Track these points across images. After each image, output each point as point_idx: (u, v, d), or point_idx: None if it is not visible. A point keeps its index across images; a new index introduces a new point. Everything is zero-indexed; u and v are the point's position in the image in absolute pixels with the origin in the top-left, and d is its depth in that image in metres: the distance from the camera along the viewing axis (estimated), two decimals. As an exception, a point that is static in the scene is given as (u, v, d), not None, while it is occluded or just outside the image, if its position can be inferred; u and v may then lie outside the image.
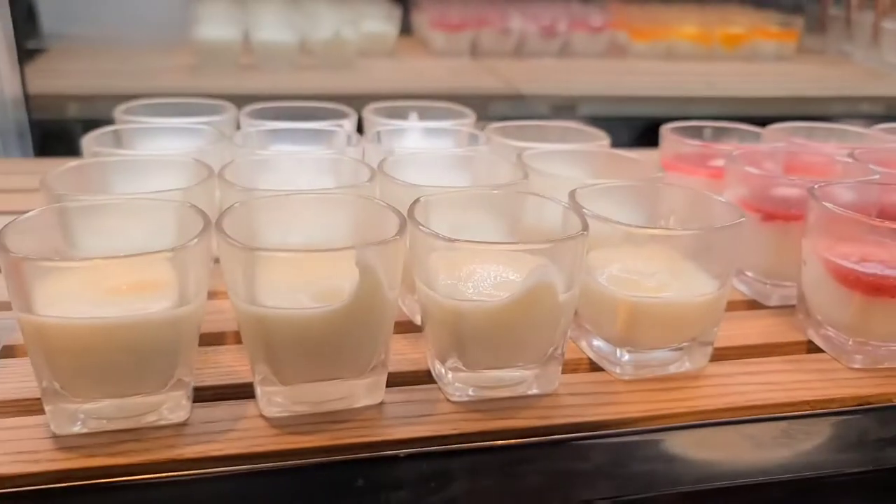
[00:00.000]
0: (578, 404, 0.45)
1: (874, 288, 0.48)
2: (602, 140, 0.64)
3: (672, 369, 0.48)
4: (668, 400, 0.46)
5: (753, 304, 0.58)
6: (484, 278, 0.44)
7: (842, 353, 0.50)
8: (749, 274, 0.59)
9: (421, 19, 1.53)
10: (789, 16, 1.60)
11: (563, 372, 0.48)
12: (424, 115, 0.73)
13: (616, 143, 0.71)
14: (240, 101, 1.19)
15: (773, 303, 0.58)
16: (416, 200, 0.46)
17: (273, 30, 1.31)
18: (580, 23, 1.49)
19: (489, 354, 0.44)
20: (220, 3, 1.41)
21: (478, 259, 0.45)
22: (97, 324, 0.38)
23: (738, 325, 0.55)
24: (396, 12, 1.43)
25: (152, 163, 0.53)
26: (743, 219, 0.47)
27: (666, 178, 0.55)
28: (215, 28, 1.29)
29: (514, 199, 0.50)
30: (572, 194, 0.48)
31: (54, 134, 1.09)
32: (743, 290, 0.60)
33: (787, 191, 0.55)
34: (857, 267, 0.48)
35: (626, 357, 0.47)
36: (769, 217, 0.56)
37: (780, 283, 0.57)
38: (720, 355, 0.51)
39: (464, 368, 0.44)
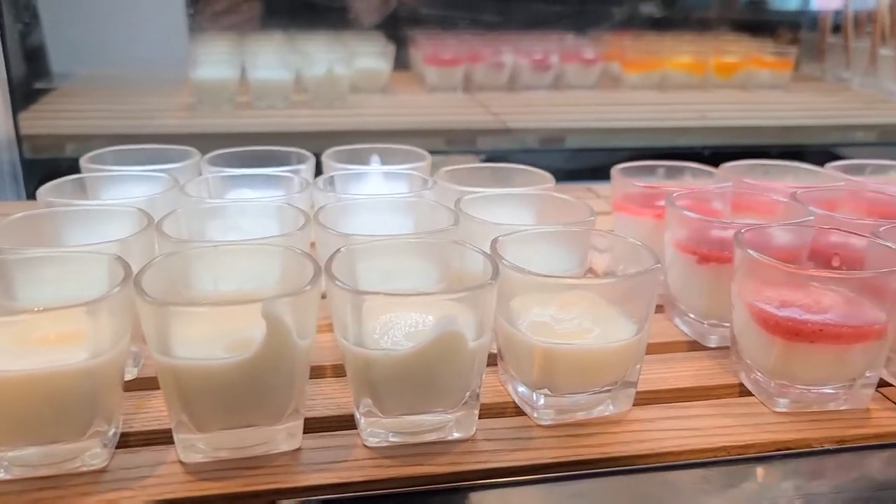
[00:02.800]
0: (493, 450, 0.46)
1: (793, 332, 0.48)
2: (548, 182, 0.65)
3: (594, 413, 0.49)
4: (583, 445, 0.46)
5: (693, 346, 0.59)
6: (398, 327, 0.45)
7: (768, 397, 0.51)
8: (691, 315, 0.60)
9: (416, 55, 1.55)
10: (785, 44, 1.59)
11: (490, 416, 0.49)
12: (386, 157, 0.75)
13: (604, 176, 0.72)
14: (235, 139, 1.23)
15: (712, 344, 0.58)
16: (338, 250, 0.47)
17: (268, 68, 1.35)
18: (572, 55, 1.50)
19: (402, 401, 0.45)
20: (218, 42, 1.45)
21: (393, 308, 0.46)
22: (13, 376, 0.39)
23: (675, 366, 0.56)
24: (390, 48, 1.45)
25: (99, 213, 0.55)
26: (657, 265, 0.48)
27: (593, 223, 0.56)
28: (213, 67, 1.33)
29: (440, 246, 0.51)
30: (494, 242, 0.50)
31: (51, 175, 1.12)
32: (685, 330, 0.60)
33: (721, 233, 0.56)
34: (776, 311, 0.49)
35: (543, 402, 0.48)
36: (704, 259, 0.57)
37: (719, 324, 0.58)
38: (650, 398, 0.52)
39: (379, 414, 0.45)
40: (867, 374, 0.50)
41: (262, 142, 1.23)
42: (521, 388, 0.49)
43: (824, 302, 0.49)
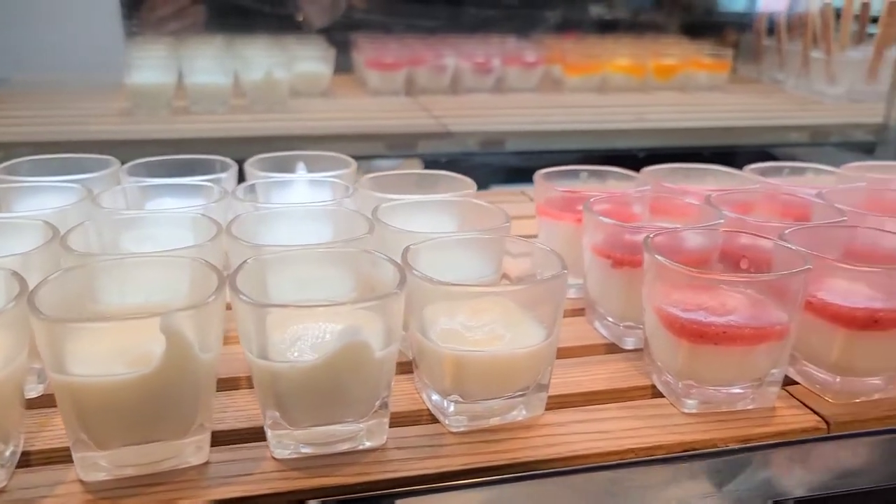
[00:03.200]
0: (403, 458, 0.46)
1: (698, 335, 0.49)
2: (469, 189, 0.65)
3: (508, 418, 0.50)
4: (493, 451, 0.47)
5: (611, 348, 0.60)
6: (305, 338, 0.45)
7: (677, 399, 0.52)
8: (609, 319, 0.60)
9: (358, 58, 1.55)
10: (723, 46, 1.63)
11: (405, 424, 0.50)
12: (312, 164, 0.75)
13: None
14: (172, 144, 1.22)
15: (628, 346, 0.59)
16: (244, 262, 0.47)
17: (206, 72, 1.33)
18: (514, 58, 1.51)
19: (310, 412, 0.45)
20: (155, 46, 1.43)
21: (298, 319, 0.46)
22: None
23: (591, 370, 0.56)
24: (331, 52, 1.45)
25: (4, 226, 0.54)
26: (564, 272, 0.48)
27: (508, 229, 0.56)
28: (149, 72, 1.31)
29: (352, 256, 0.51)
30: (405, 251, 0.50)
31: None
32: (604, 333, 0.61)
33: (634, 238, 0.57)
34: (681, 314, 0.50)
35: (453, 409, 0.48)
36: (619, 263, 0.58)
37: (635, 326, 0.59)
38: (564, 402, 0.52)
39: (287, 426, 0.45)
40: (772, 374, 0.51)
41: (200, 147, 1.21)
42: (435, 396, 0.50)
43: (729, 304, 0.50)
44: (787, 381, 0.55)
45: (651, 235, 0.53)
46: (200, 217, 0.56)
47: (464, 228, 0.60)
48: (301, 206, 0.61)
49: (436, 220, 0.60)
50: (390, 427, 0.49)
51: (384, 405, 0.46)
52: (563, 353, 0.59)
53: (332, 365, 0.43)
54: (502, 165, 1.38)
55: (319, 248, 0.51)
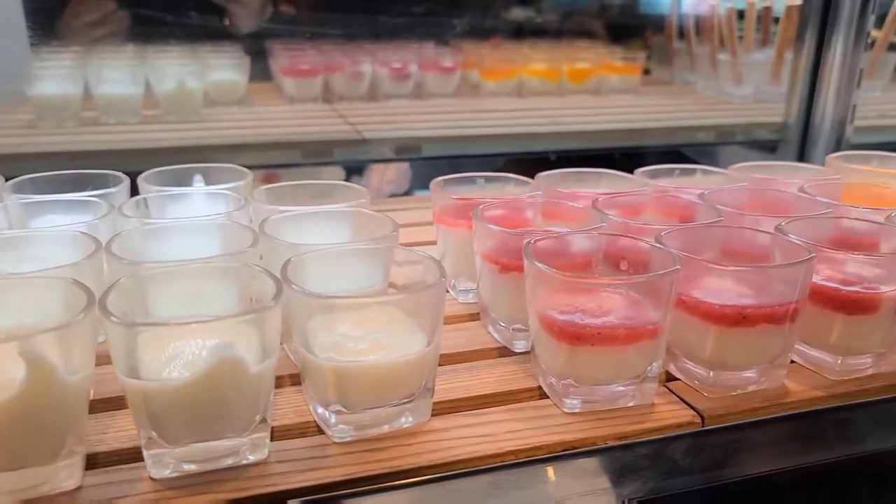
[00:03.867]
0: (284, 472, 0.46)
1: (575, 337, 0.50)
2: (362, 198, 0.65)
3: (394, 426, 0.50)
4: (375, 461, 0.47)
5: (503, 352, 0.61)
6: (181, 355, 0.45)
7: (559, 399, 0.53)
8: (501, 323, 0.62)
9: (275, 66, 1.54)
10: (637, 50, 1.67)
11: (291, 437, 0.50)
12: (210, 176, 0.74)
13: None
14: (78, 156, 1.18)
15: (519, 349, 0.60)
16: (117, 281, 0.46)
17: (115, 82, 1.30)
18: (431, 64, 1.52)
19: (186, 430, 0.44)
20: (61, 56, 1.39)
21: (174, 336, 0.45)
22: None
23: (481, 374, 0.57)
24: (246, 60, 1.43)
25: None
26: (442, 279, 0.49)
27: (395, 238, 0.57)
28: (54, 82, 1.27)
29: (234, 270, 0.51)
30: (285, 263, 0.50)
31: None
32: (497, 337, 0.62)
33: (519, 244, 0.58)
34: (559, 317, 0.51)
35: (335, 419, 0.48)
36: (506, 268, 0.59)
37: (523, 329, 0.60)
38: (451, 407, 0.53)
39: (164, 444, 0.44)
40: (649, 371, 0.53)
41: (108, 160, 1.19)
42: (319, 408, 0.50)
43: (606, 306, 0.52)
44: (670, 378, 0.57)
45: (532, 241, 0.54)
46: (81, 235, 0.55)
47: (355, 238, 0.60)
48: (188, 220, 0.60)
49: (327, 231, 0.61)
50: (278, 440, 0.49)
51: (265, 419, 0.46)
52: (455, 358, 0.60)
53: (205, 381, 0.43)
54: (417, 172, 1.39)
55: (196, 263, 0.51)
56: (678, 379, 0.57)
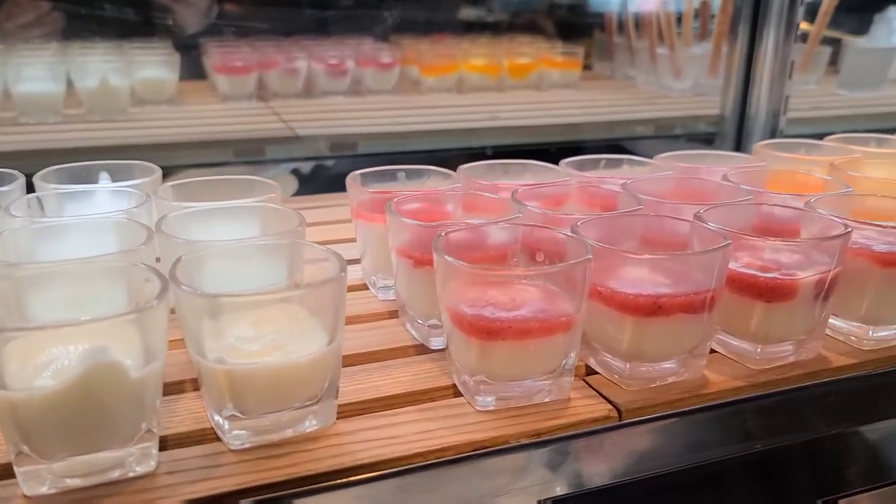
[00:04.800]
0: (172, 483, 0.43)
1: (485, 331, 0.48)
2: (272, 193, 0.63)
3: (298, 431, 0.47)
4: (271, 468, 0.44)
5: (420, 349, 0.59)
6: (55, 362, 0.41)
7: (472, 397, 0.51)
8: (419, 320, 0.59)
9: (208, 63, 1.49)
10: (579, 45, 1.66)
11: (188, 445, 0.47)
12: (120, 175, 0.70)
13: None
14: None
15: (435, 346, 0.58)
16: (-14, 283, 0.43)
17: (35, 80, 1.25)
18: (369, 60, 1.49)
19: (61, 442, 0.41)
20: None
21: (53, 342, 0.42)
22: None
23: (395, 372, 0.55)
24: (175, 57, 1.39)
25: None
26: (342, 274, 0.46)
27: (301, 234, 0.54)
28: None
29: (124, 269, 0.48)
30: (175, 262, 0.47)
31: None
32: (414, 335, 0.60)
33: (433, 237, 0.56)
34: (468, 311, 0.49)
35: (229, 425, 0.45)
36: (419, 263, 0.56)
37: (439, 325, 0.57)
38: (360, 409, 0.51)
39: (38, 458, 0.41)
40: (564, 365, 0.51)
41: (26, 159, 1.13)
42: (215, 414, 0.47)
43: (519, 298, 0.50)
44: (590, 372, 0.56)
45: (443, 234, 0.52)
46: (-41, 236, 0.52)
47: (263, 234, 0.57)
48: (80, 218, 0.57)
49: (232, 228, 0.58)
50: (173, 448, 0.46)
51: (152, 427, 0.43)
52: (370, 357, 0.57)
53: (77, 389, 0.39)
54: (353, 169, 1.35)
55: (78, 263, 0.47)
56: (598, 373, 0.55)
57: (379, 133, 1.32)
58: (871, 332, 0.59)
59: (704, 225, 0.56)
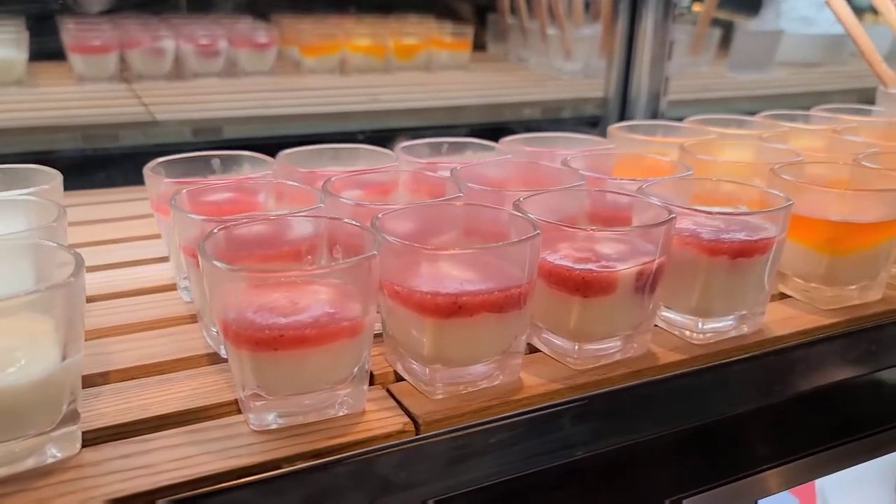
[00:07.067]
0: None
1: (253, 342, 0.42)
2: (48, 184, 0.55)
3: (26, 465, 0.41)
4: (-19, 512, 0.38)
5: (214, 359, 0.52)
6: None
7: (245, 414, 0.45)
8: (213, 327, 0.53)
9: (66, 42, 1.38)
10: (462, 24, 1.61)
11: None
12: None
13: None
14: None
15: (225, 355, 0.52)
16: None
17: None
18: (244, 40, 1.41)
19: None
20: None
21: None
22: None
23: (174, 387, 0.49)
24: (24, 35, 1.27)
25: None
26: (72, 279, 0.40)
27: (55, 230, 0.47)
28: None
29: None
30: None
31: None
32: (209, 342, 0.54)
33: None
34: (232, 318, 0.43)
35: (-70, 466, 0.38)
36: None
37: (233, 332, 0.51)
38: (116, 434, 0.44)
39: None
40: (355, 374, 0.46)
41: None
42: (-75, 448, 0.40)
43: (302, 302, 0.44)
44: (400, 379, 0.51)
45: (215, 231, 0.46)
46: None
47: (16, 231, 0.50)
48: None
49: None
50: None
51: None
52: (150, 369, 0.51)
53: None
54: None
55: None
56: (404, 379, 0.50)
57: (247, 117, 1.24)
58: (700, 325, 0.55)
59: (520, 215, 0.51)
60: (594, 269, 0.50)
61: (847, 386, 0.63)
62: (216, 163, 0.64)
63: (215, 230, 0.46)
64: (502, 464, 0.48)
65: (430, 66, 1.54)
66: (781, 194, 0.57)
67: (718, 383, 0.55)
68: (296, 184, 0.56)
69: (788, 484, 0.71)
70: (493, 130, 1.42)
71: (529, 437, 0.49)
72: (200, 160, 0.64)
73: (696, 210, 0.55)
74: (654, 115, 1.24)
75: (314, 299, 0.45)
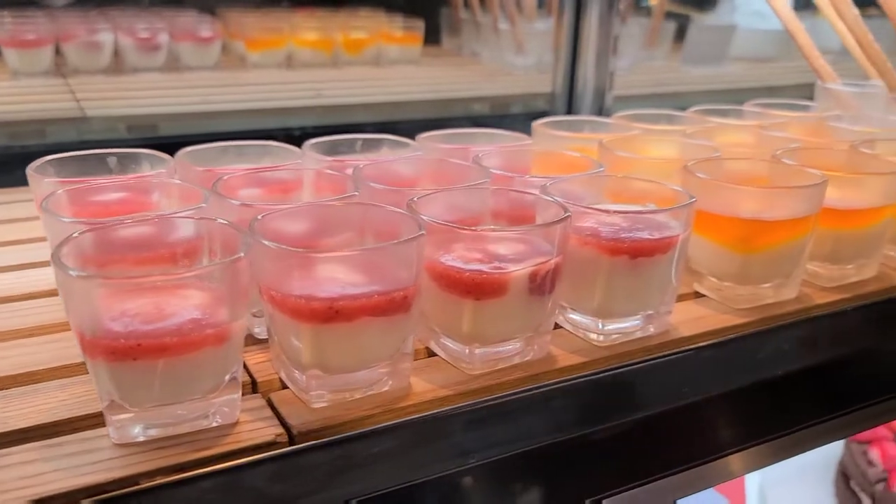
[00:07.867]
0: None
1: (110, 352, 0.40)
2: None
3: None
4: None
5: (91, 367, 0.50)
6: None
7: (108, 427, 0.43)
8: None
9: (1, 36, 1.34)
10: (413, 18, 1.59)
11: None
12: None
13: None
14: None
15: (106, 364, 0.50)
16: None
17: None
18: (186, 33, 1.37)
19: None
20: None
21: None
22: None
23: (49, 396, 0.47)
24: (-46, 29, 1.24)
25: None
26: None
27: None
28: None
29: None
30: None
31: None
32: (90, 349, 0.51)
33: (110, 237, 0.47)
34: (88, 324, 0.40)
35: None
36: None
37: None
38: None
39: None
40: (223, 384, 0.43)
41: None
42: None
43: (168, 309, 0.42)
44: (284, 386, 0.49)
45: (76, 234, 0.44)
46: None
47: None
48: None
49: None
50: None
51: None
52: (24, 378, 0.48)
53: None
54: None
55: None
56: (287, 388, 0.48)
57: (186, 113, 1.21)
58: (602, 325, 0.54)
59: (410, 215, 0.49)
60: (485, 270, 0.48)
61: (763, 384, 0.62)
62: (112, 161, 0.62)
63: (75, 234, 0.43)
64: (389, 473, 0.46)
65: (379, 61, 1.52)
66: (686, 192, 0.55)
67: (620, 385, 0.53)
68: (182, 183, 0.53)
69: (712, 481, 0.70)
70: (441, 126, 1.40)
71: (416, 446, 0.47)
72: (95, 158, 0.61)
73: (594, 209, 0.53)
74: (600, 110, 1.23)
75: (181, 305, 0.42)
